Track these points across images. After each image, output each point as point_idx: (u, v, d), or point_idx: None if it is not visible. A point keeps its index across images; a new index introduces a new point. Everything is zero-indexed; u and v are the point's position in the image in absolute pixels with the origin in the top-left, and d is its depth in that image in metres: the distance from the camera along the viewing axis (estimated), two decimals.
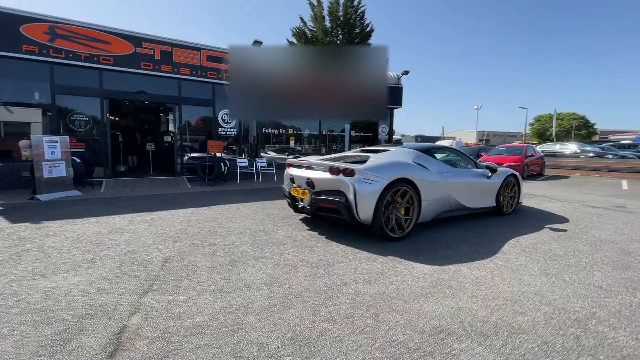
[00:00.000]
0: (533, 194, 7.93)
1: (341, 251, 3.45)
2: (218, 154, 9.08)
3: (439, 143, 23.17)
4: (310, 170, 4.09)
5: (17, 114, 8.08)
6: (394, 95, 15.87)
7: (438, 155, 5.07)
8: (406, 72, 15.98)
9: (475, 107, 45.48)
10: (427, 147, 4.75)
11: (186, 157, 10.07)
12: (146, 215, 5.08)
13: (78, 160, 7.59)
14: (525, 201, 6.74)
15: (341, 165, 3.75)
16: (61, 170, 6.78)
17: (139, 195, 7.13)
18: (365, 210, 3.57)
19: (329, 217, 3.98)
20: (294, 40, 26.45)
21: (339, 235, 4.02)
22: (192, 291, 2.47)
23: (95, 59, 8.32)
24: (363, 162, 3.97)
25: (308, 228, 4.40)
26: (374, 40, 18.94)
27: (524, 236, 4.14)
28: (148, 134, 13.18)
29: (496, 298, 2.42)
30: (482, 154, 15.07)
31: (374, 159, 4.04)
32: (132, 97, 9.21)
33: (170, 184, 8.86)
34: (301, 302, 2.31)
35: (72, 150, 7.83)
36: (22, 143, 7.75)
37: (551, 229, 4.53)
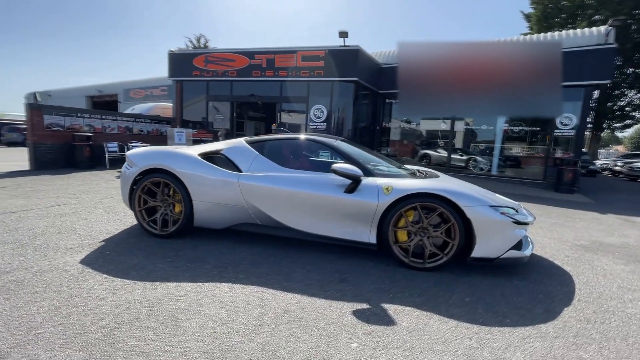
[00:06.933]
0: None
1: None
2: None
3: None
4: None
5: (194, 116, 12.90)
6: (593, 62, 9.89)
7: (291, 150, 3.81)
8: (616, 22, 9.50)
9: None
10: (262, 139, 3.73)
11: None
12: None
13: None
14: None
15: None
16: None
17: None
18: (123, 196, 3.67)
19: None
20: (532, 10, 22.11)
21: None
22: None
23: (227, 73, 11.65)
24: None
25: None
26: None
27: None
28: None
29: None
30: None
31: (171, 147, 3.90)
32: (247, 99, 12.03)
33: None
34: None
35: (202, 138, 11.58)
36: (169, 132, 12.14)
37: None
